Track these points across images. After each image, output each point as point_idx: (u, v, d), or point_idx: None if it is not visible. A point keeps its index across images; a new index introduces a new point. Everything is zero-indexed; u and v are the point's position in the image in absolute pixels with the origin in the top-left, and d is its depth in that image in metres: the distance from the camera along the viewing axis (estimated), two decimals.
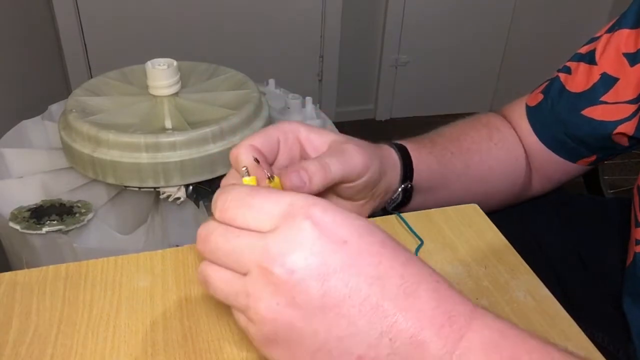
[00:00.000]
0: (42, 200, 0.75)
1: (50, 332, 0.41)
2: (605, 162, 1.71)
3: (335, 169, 0.42)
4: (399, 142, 0.55)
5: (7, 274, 0.47)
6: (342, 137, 0.46)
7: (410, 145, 0.55)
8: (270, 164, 0.44)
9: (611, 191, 1.68)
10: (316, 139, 0.45)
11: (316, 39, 2.00)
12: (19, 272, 0.47)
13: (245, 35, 1.92)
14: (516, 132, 0.62)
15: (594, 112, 0.55)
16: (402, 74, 2.23)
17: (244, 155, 0.40)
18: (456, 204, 0.56)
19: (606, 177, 1.68)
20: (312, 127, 0.46)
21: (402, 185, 0.53)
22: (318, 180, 0.40)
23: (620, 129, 0.54)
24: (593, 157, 0.59)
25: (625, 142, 0.55)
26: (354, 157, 0.44)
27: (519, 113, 0.62)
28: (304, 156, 0.45)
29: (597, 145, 0.57)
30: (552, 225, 0.68)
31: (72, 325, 0.42)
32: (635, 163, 1.76)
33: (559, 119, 0.58)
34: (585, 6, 2.10)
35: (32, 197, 0.76)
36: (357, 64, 2.18)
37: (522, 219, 0.68)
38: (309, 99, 1.03)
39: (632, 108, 0.53)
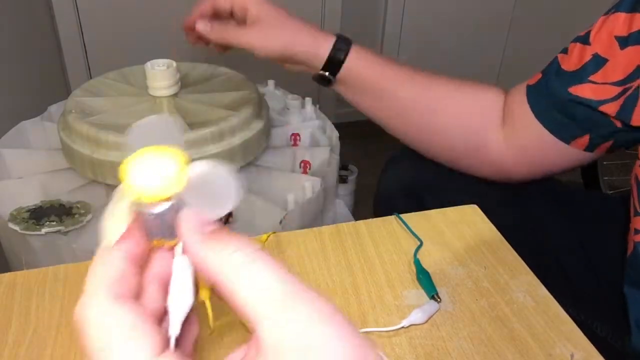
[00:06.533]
0: (42, 201, 0.75)
1: (49, 333, 0.41)
2: (605, 162, 1.71)
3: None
4: (356, 47, 0.68)
5: (6, 275, 0.47)
6: (269, 15, 0.67)
7: (355, 55, 0.67)
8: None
9: (611, 192, 1.68)
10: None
11: None
12: (18, 273, 0.47)
13: None
14: (517, 112, 0.63)
15: (581, 90, 0.56)
16: None
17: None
18: (397, 124, 0.68)
19: (606, 178, 1.69)
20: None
21: (319, 73, 0.68)
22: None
23: (604, 108, 0.55)
24: (586, 138, 0.59)
25: (616, 122, 0.56)
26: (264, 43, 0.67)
27: (520, 94, 0.64)
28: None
29: (586, 120, 0.57)
30: (555, 217, 0.68)
31: (71, 326, 0.42)
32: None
33: (551, 96, 0.59)
34: (585, 8, 2.10)
35: (31, 197, 0.76)
36: None
37: (526, 211, 0.68)
38: (308, 100, 1.03)
39: (617, 90, 0.54)
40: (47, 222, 0.71)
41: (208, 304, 0.28)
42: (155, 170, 0.25)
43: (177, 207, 0.26)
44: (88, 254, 0.69)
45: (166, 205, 0.26)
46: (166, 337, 0.24)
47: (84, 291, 0.24)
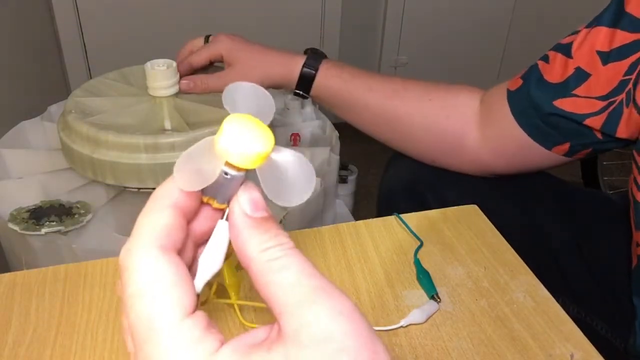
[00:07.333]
0: (41, 201, 0.75)
1: (49, 333, 0.41)
2: (605, 162, 1.71)
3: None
4: (327, 62, 0.74)
5: (6, 275, 0.47)
6: (242, 56, 0.75)
7: (325, 71, 0.73)
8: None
9: (610, 192, 1.68)
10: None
11: (315, 39, 2.00)
12: (18, 273, 0.47)
13: (245, 36, 1.92)
14: (497, 114, 0.64)
15: (565, 104, 0.57)
16: (402, 75, 2.22)
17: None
18: (375, 132, 0.74)
19: (606, 178, 1.69)
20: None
21: (294, 91, 0.75)
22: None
23: (588, 122, 0.56)
24: (566, 145, 0.60)
25: (598, 134, 0.56)
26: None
27: (499, 96, 0.65)
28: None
29: (569, 131, 0.58)
30: (555, 217, 0.68)
31: (71, 326, 0.42)
32: None
33: (533, 105, 0.60)
34: (586, 12, 2.10)
35: (31, 198, 0.76)
36: (357, 64, 2.17)
37: (526, 211, 0.68)
38: (308, 100, 1.03)
39: (601, 104, 0.54)
40: (47, 222, 0.71)
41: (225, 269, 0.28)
42: (248, 138, 0.25)
43: (245, 179, 0.26)
44: (88, 254, 0.69)
45: (240, 174, 0.26)
46: (195, 296, 0.25)
47: (132, 234, 0.25)
